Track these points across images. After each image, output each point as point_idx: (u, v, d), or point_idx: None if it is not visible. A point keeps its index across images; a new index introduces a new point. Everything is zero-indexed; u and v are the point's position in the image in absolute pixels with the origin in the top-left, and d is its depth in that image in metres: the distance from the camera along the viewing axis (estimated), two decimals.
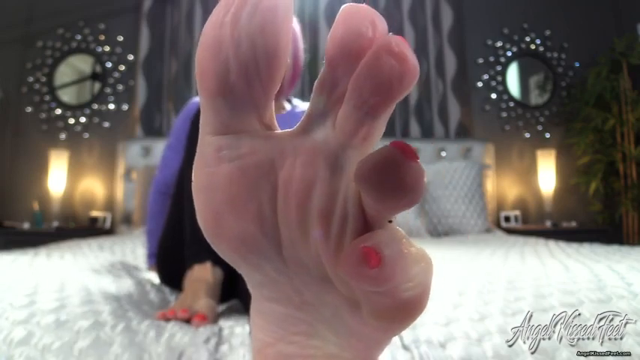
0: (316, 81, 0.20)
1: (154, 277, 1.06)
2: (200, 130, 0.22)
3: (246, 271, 0.23)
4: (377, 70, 0.17)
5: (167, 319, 0.64)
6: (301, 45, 1.10)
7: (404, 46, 0.18)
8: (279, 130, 0.21)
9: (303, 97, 2.78)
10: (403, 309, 0.19)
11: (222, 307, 0.80)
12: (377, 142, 0.20)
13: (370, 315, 0.20)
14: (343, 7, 0.19)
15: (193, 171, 0.22)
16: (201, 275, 0.77)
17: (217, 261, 0.79)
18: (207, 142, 0.21)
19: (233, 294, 0.86)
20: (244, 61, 0.19)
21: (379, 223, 0.19)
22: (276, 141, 0.20)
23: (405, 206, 0.17)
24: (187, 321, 0.64)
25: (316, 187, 0.19)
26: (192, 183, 0.22)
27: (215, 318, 0.68)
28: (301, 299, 0.23)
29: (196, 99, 1.17)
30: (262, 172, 0.20)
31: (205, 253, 0.80)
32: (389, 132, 2.80)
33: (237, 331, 0.59)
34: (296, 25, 1.09)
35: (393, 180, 0.16)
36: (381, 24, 0.19)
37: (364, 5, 0.19)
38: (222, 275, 0.80)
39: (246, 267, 0.23)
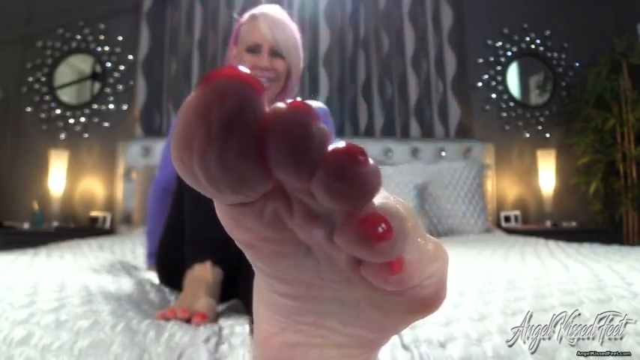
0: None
1: (153, 277, 1.06)
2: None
3: (264, 263, 0.23)
4: (333, 187, 0.17)
5: (167, 319, 0.64)
6: (301, 53, 1.11)
7: (359, 166, 0.17)
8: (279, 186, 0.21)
9: (304, 97, 2.78)
10: (423, 303, 0.21)
11: (222, 307, 0.80)
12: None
13: (392, 308, 0.21)
14: (275, 118, 0.17)
15: (218, 213, 0.23)
16: (202, 275, 0.77)
17: (217, 261, 0.79)
18: (217, 205, 0.22)
19: (233, 294, 0.86)
20: (225, 171, 0.19)
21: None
22: (277, 201, 0.20)
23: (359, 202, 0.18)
24: (187, 321, 0.64)
25: (319, 234, 0.20)
26: (220, 217, 0.23)
27: (215, 317, 0.68)
28: (317, 294, 0.23)
29: None
30: (275, 225, 0.21)
31: (205, 252, 0.80)
32: (389, 132, 2.80)
33: (237, 330, 0.59)
34: (296, 32, 1.09)
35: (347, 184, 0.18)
36: (317, 136, 0.17)
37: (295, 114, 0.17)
38: (222, 275, 0.80)
39: (266, 260, 0.23)
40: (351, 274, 0.21)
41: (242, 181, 0.18)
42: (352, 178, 0.17)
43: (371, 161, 0.18)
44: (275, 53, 1.04)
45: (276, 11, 1.07)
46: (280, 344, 0.24)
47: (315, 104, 1.23)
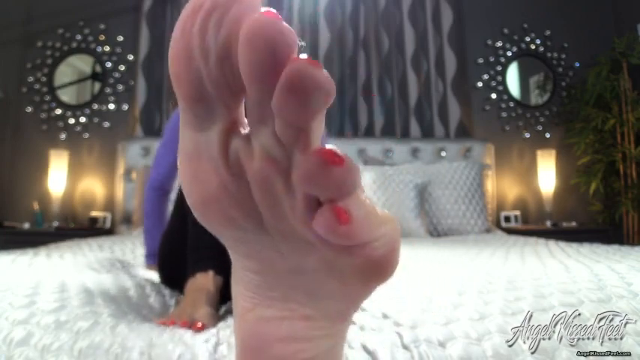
0: (247, 95, 0.22)
1: (153, 277, 1.06)
2: (180, 126, 0.24)
3: (232, 243, 0.26)
4: (293, 92, 0.19)
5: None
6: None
7: (314, 67, 0.18)
8: (243, 130, 0.23)
9: None
10: (376, 266, 0.22)
11: (222, 310, 0.80)
12: (319, 138, 0.22)
13: (348, 274, 0.23)
14: (246, 26, 0.19)
15: (179, 162, 0.25)
16: (203, 284, 0.77)
17: (219, 270, 0.79)
18: (188, 137, 0.24)
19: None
20: (214, 71, 0.21)
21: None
22: (240, 141, 0.23)
23: (337, 194, 0.20)
24: None
25: (276, 181, 0.22)
26: (179, 172, 0.25)
27: (215, 326, 0.69)
28: (279, 267, 0.25)
29: None
30: (234, 170, 0.23)
31: (208, 260, 0.79)
32: (389, 132, 2.80)
33: None
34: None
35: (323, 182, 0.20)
36: (284, 41, 0.19)
37: (268, 22, 0.19)
38: (222, 283, 0.80)
39: (233, 240, 0.26)
40: (304, 230, 0.22)
41: (223, 77, 0.21)
42: (313, 79, 0.18)
43: (325, 72, 0.19)
44: None
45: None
46: (255, 319, 0.26)
47: None
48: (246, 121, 0.24)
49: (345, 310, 0.26)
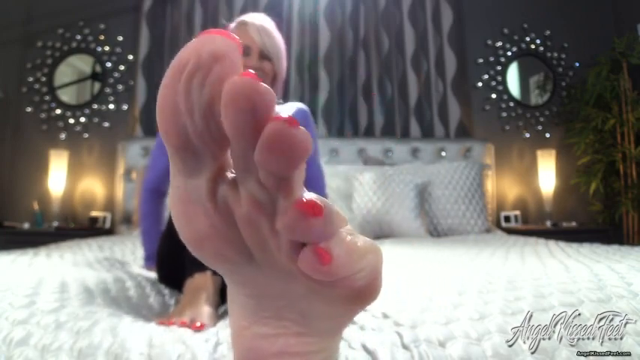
0: (231, 147, 0.23)
1: (153, 277, 1.06)
2: (171, 171, 0.26)
3: (225, 273, 0.28)
4: (272, 150, 0.20)
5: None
6: (285, 61, 1.16)
7: (288, 128, 0.20)
8: (229, 174, 0.25)
9: (304, 97, 2.78)
10: (359, 294, 0.24)
11: (221, 309, 0.80)
12: (301, 182, 0.23)
13: (333, 300, 0.25)
14: (228, 88, 0.21)
15: (170, 201, 0.26)
16: (202, 284, 0.77)
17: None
18: (178, 181, 0.26)
19: None
20: (199, 126, 0.22)
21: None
22: (227, 186, 0.24)
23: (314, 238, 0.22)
24: None
25: (262, 224, 0.24)
26: (171, 209, 0.26)
27: (214, 326, 0.69)
28: (271, 292, 0.27)
29: None
30: (223, 213, 0.25)
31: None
32: (389, 132, 2.80)
33: None
34: (282, 41, 1.15)
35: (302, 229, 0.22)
36: (262, 102, 0.20)
37: (247, 84, 0.20)
38: (221, 282, 0.80)
39: (227, 272, 0.28)
40: (291, 266, 0.24)
41: (207, 132, 0.22)
42: (290, 138, 0.20)
43: (302, 130, 0.20)
44: (264, 56, 1.10)
45: (264, 20, 1.14)
46: (251, 336, 0.28)
47: (295, 105, 1.25)
48: (230, 161, 0.25)
49: (335, 327, 0.28)
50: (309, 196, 0.22)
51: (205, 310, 0.70)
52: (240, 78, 0.20)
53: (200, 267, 0.79)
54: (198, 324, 0.64)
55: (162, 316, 0.74)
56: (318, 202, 0.22)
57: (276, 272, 0.26)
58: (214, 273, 0.80)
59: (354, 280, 0.23)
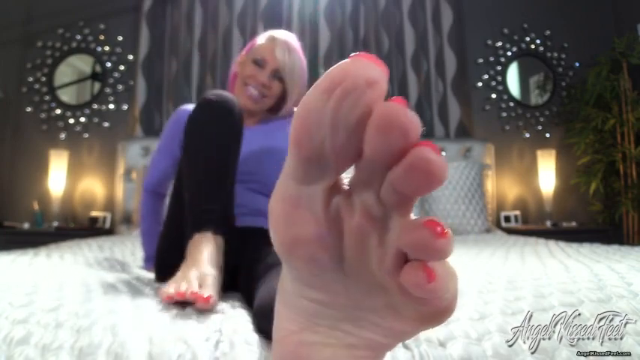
0: (362, 162, 0.23)
1: (153, 276, 1.06)
2: (283, 175, 0.26)
3: (304, 276, 0.27)
4: (417, 175, 0.21)
5: (170, 301, 0.63)
6: (305, 81, 1.16)
7: (435, 155, 0.21)
8: (344, 185, 0.25)
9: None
10: (437, 314, 0.25)
11: (222, 305, 0.80)
12: (413, 206, 0.24)
13: (408, 317, 0.25)
14: (380, 109, 0.21)
15: (272, 200, 0.27)
16: (202, 244, 0.76)
17: (217, 230, 0.79)
18: (289, 186, 0.26)
19: (234, 287, 0.86)
20: (339, 143, 0.23)
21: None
22: (341, 197, 0.25)
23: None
24: (191, 303, 0.63)
25: (371, 236, 0.24)
26: (271, 209, 0.27)
27: (219, 292, 0.68)
28: (342, 301, 0.27)
29: (185, 106, 1.19)
30: (332, 222, 0.25)
31: (206, 223, 0.79)
32: None
33: (237, 328, 0.59)
34: (304, 63, 1.16)
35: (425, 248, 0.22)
36: (414, 129, 0.21)
37: (401, 111, 0.21)
38: (224, 244, 0.79)
39: (306, 274, 0.27)
40: (387, 279, 0.25)
41: (345, 146, 0.22)
42: (432, 164, 0.21)
43: (443, 158, 0.21)
44: (276, 75, 1.10)
45: (293, 40, 1.14)
46: (298, 342, 0.28)
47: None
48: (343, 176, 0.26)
49: (390, 343, 0.28)
50: (429, 217, 0.23)
51: (208, 271, 0.69)
52: (395, 104, 0.21)
53: (199, 228, 0.78)
54: (205, 296, 0.62)
55: (163, 285, 0.70)
56: (442, 223, 0.22)
57: (361, 283, 0.26)
58: (215, 232, 0.78)
59: (442, 300, 0.24)
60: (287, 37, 1.13)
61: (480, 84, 2.97)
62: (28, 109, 2.78)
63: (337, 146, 0.23)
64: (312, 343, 0.27)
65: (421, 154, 0.21)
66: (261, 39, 1.14)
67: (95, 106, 2.81)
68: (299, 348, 0.27)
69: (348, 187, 0.25)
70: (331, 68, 0.22)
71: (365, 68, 0.21)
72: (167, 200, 1.23)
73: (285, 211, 0.26)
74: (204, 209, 0.80)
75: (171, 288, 0.65)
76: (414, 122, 0.21)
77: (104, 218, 2.63)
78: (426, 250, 0.22)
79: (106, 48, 2.84)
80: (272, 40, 1.12)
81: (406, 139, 0.21)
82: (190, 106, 1.19)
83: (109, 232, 2.54)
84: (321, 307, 0.27)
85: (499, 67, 3.00)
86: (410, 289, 0.23)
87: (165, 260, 0.95)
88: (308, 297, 0.28)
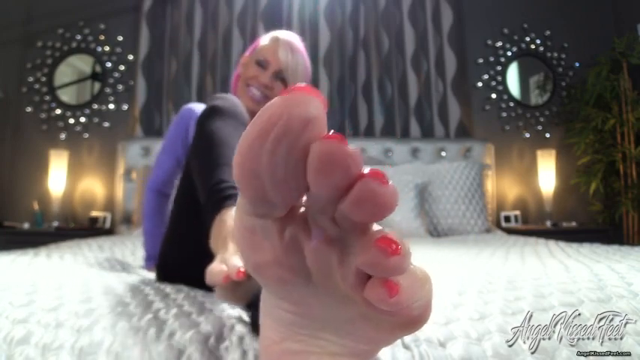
0: (310, 195, 0.24)
1: (153, 276, 1.06)
2: (238, 207, 0.26)
3: (277, 291, 0.28)
4: (363, 206, 0.21)
5: (228, 280, 0.59)
6: (309, 74, 1.16)
7: (380, 186, 0.21)
8: (300, 208, 0.25)
9: None
10: (411, 322, 0.25)
11: (223, 307, 0.80)
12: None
13: (383, 326, 0.25)
14: (316, 150, 0.21)
15: (235, 226, 0.27)
16: (228, 221, 0.69)
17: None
18: (245, 218, 0.26)
19: None
20: (279, 184, 0.23)
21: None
22: (296, 225, 0.25)
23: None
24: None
25: (332, 257, 0.25)
26: (235, 233, 0.27)
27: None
28: (317, 313, 0.27)
29: (190, 105, 1.19)
30: (290, 247, 0.25)
31: (227, 199, 0.72)
32: (389, 132, 2.80)
33: (237, 329, 0.59)
34: (308, 64, 1.15)
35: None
36: (355, 163, 0.21)
37: (339, 149, 0.21)
38: None
39: (279, 290, 0.28)
40: (354, 294, 0.25)
41: (286, 184, 0.22)
42: (380, 195, 0.21)
43: (391, 183, 0.21)
44: (279, 76, 1.10)
45: (296, 40, 1.14)
46: (281, 351, 0.28)
47: None
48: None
49: (374, 349, 0.28)
50: (384, 233, 0.23)
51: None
52: (332, 143, 0.20)
53: (221, 206, 0.71)
54: (240, 271, 0.59)
55: (219, 266, 0.65)
56: (395, 239, 0.22)
57: (331, 295, 0.26)
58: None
59: (412, 309, 0.24)
60: (290, 37, 1.13)
61: (480, 84, 2.97)
62: (28, 109, 2.78)
63: (278, 188, 0.22)
64: (296, 351, 0.27)
65: (366, 187, 0.21)
66: (265, 40, 1.13)
67: (95, 106, 2.81)
68: (282, 356, 0.28)
69: (303, 211, 0.25)
70: (265, 107, 0.21)
71: (300, 105, 0.20)
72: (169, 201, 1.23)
73: (245, 238, 0.26)
74: (225, 186, 0.74)
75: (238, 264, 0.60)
76: (353, 156, 0.21)
77: (104, 218, 2.63)
78: (379, 269, 0.22)
79: (106, 48, 2.84)
80: (275, 40, 1.11)
81: (348, 174, 0.21)
82: (195, 105, 1.19)
83: (109, 232, 2.54)
84: (298, 317, 0.28)
85: (499, 67, 3.00)
86: (374, 304, 0.23)
87: (168, 262, 0.95)
88: (284, 309, 0.28)
